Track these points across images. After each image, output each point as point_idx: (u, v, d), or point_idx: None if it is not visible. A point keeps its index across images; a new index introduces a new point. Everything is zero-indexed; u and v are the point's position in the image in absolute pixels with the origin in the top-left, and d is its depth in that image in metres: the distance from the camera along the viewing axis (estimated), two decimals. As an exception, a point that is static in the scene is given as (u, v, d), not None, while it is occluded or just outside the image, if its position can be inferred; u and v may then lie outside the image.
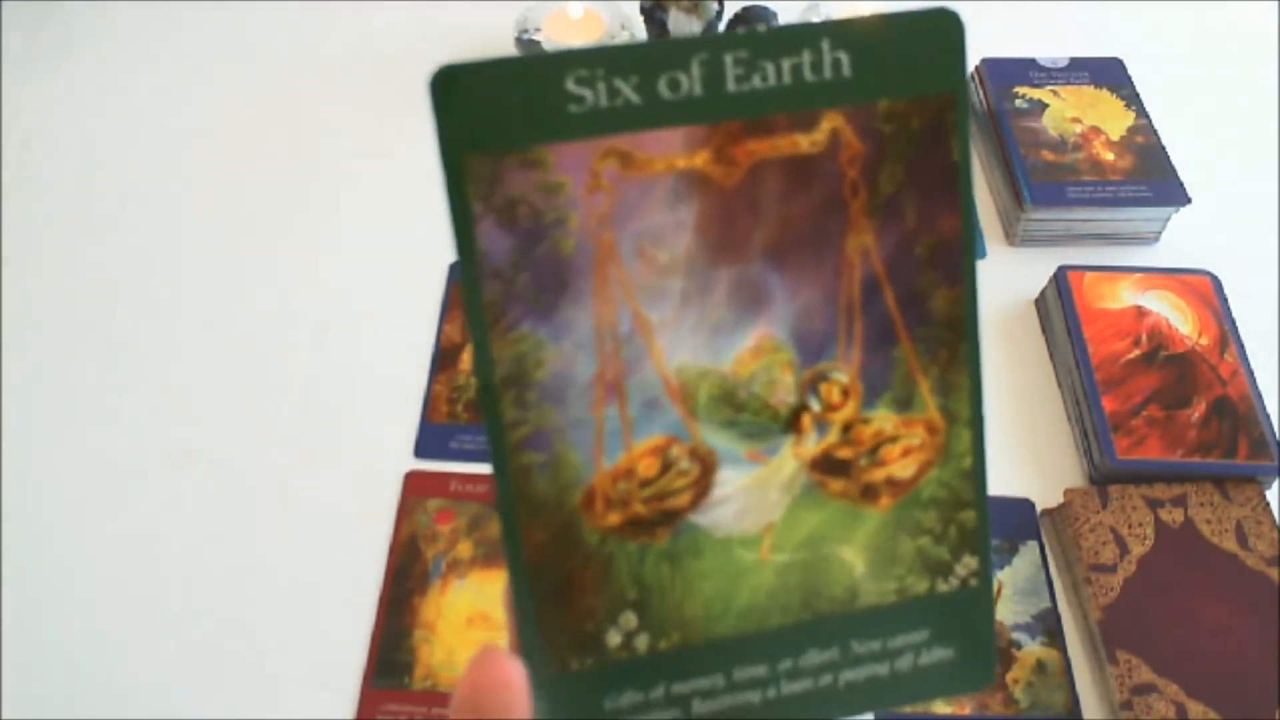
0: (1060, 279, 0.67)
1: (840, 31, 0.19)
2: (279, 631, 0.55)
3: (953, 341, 0.22)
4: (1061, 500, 0.58)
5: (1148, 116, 0.76)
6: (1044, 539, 0.59)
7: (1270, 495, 0.58)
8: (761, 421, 0.21)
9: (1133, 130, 0.75)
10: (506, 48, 0.84)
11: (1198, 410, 0.60)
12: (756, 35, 0.19)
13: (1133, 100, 0.77)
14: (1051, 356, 0.67)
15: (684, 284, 0.20)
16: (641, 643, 0.21)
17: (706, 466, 0.21)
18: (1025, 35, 0.86)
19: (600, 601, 0.21)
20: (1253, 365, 0.62)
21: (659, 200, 0.20)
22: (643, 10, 0.82)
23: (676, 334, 0.20)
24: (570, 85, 0.19)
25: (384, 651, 0.54)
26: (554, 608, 0.21)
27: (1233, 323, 0.64)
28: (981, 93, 0.79)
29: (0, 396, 0.64)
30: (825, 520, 0.22)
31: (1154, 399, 0.61)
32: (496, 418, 0.20)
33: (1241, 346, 0.63)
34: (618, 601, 0.21)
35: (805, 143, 0.20)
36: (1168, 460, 0.58)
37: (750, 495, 0.21)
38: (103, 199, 0.76)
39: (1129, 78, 0.79)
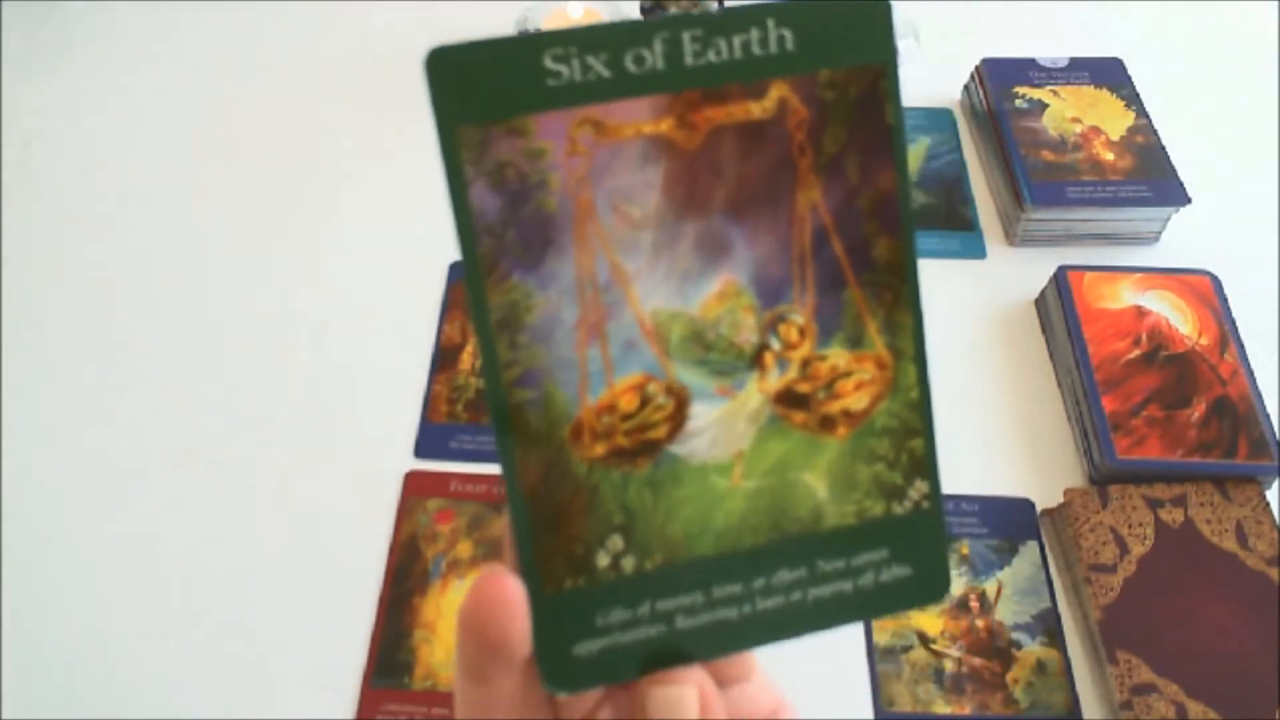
0: (1060, 279, 0.67)
1: (784, 12, 0.22)
2: (279, 631, 0.55)
3: (896, 285, 0.24)
4: (1061, 500, 0.58)
5: (1148, 116, 0.76)
6: (1044, 539, 0.59)
7: (1270, 495, 0.58)
8: (728, 360, 0.23)
9: (1133, 130, 0.75)
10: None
11: (1198, 410, 0.60)
12: (710, 15, 0.22)
13: (1133, 100, 0.77)
14: (1051, 356, 0.67)
15: (655, 236, 0.22)
16: (628, 564, 0.23)
17: (681, 401, 0.23)
18: (1025, 35, 0.86)
19: (589, 526, 0.23)
20: (1253, 365, 0.62)
21: (629, 162, 0.22)
22: (643, 10, 0.82)
23: (650, 281, 0.23)
24: (548, 62, 0.21)
25: (384, 651, 0.54)
26: (547, 533, 0.23)
27: (1233, 323, 0.64)
28: (981, 93, 0.79)
29: (0, 396, 0.64)
30: (789, 449, 0.24)
31: (1154, 399, 0.61)
32: (493, 360, 0.22)
33: (1241, 346, 0.63)
34: (605, 526, 0.23)
35: (756, 109, 0.22)
36: (1168, 460, 0.58)
37: (721, 427, 0.24)
38: (102, 199, 0.76)
39: (1129, 78, 0.79)
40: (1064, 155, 0.73)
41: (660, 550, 0.23)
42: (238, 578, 0.57)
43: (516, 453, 0.22)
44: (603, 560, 0.23)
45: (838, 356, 0.24)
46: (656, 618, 0.23)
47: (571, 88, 0.21)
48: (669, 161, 0.22)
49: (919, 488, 0.25)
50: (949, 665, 0.54)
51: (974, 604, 0.56)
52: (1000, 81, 0.79)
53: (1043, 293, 0.69)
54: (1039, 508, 0.60)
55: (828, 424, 0.24)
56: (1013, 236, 0.73)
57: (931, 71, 0.85)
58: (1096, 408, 0.60)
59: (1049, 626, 0.55)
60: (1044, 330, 0.69)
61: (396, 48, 0.87)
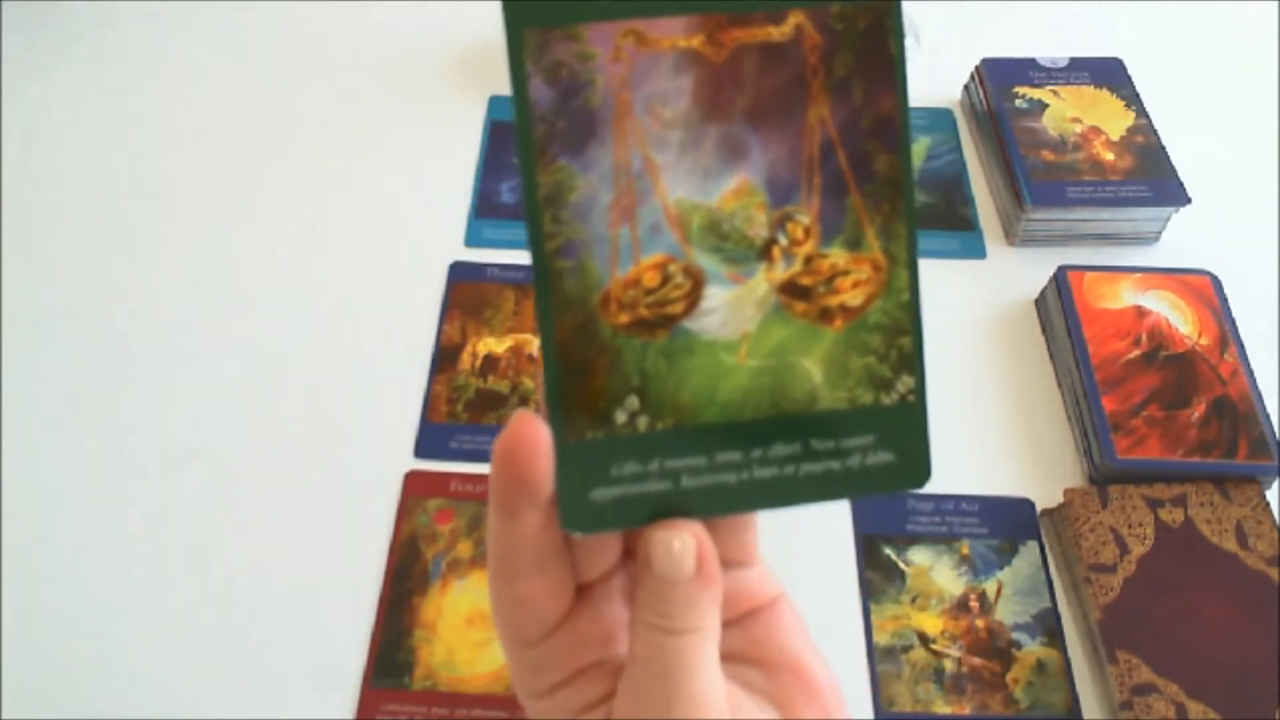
0: (1060, 279, 0.67)
1: None
2: (279, 631, 0.55)
3: (892, 198, 0.26)
4: (1061, 500, 0.58)
5: (1148, 116, 0.76)
6: (1044, 539, 0.59)
7: (1270, 495, 0.58)
8: (740, 249, 0.26)
9: (1133, 130, 0.75)
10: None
11: (1198, 410, 0.60)
12: None
13: (1133, 100, 0.77)
14: (1051, 356, 0.67)
15: (682, 136, 0.25)
16: (642, 422, 0.26)
17: (697, 282, 0.26)
18: (1025, 35, 0.86)
19: (610, 385, 0.26)
20: (1253, 365, 0.62)
21: (664, 70, 0.25)
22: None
23: (676, 174, 0.26)
24: None
25: (384, 651, 0.54)
26: (574, 387, 0.26)
27: (1233, 323, 0.64)
28: (981, 92, 0.79)
29: (0, 396, 0.64)
30: (790, 335, 0.27)
31: (1154, 399, 0.61)
32: (538, 230, 0.25)
33: (1241, 346, 0.63)
34: (624, 386, 0.26)
35: (776, 33, 0.26)
36: (1168, 460, 0.58)
37: (731, 309, 0.26)
38: (102, 199, 0.76)
39: (1129, 78, 0.79)
40: (1064, 155, 0.73)
41: (671, 414, 0.26)
42: (237, 577, 0.57)
43: (553, 314, 0.25)
44: (620, 417, 0.26)
45: (838, 256, 0.26)
46: (664, 474, 0.26)
47: (619, 4, 0.25)
48: (698, 72, 0.25)
49: (905, 382, 0.27)
50: (949, 665, 0.54)
51: (974, 604, 0.56)
52: (1000, 81, 0.79)
53: (1043, 293, 0.69)
54: (1039, 508, 0.60)
55: (826, 315, 0.27)
56: (1013, 236, 0.73)
57: (931, 71, 0.85)
58: (1096, 408, 0.60)
59: (1049, 626, 0.55)
60: (1044, 330, 0.69)
61: (397, 47, 0.87)
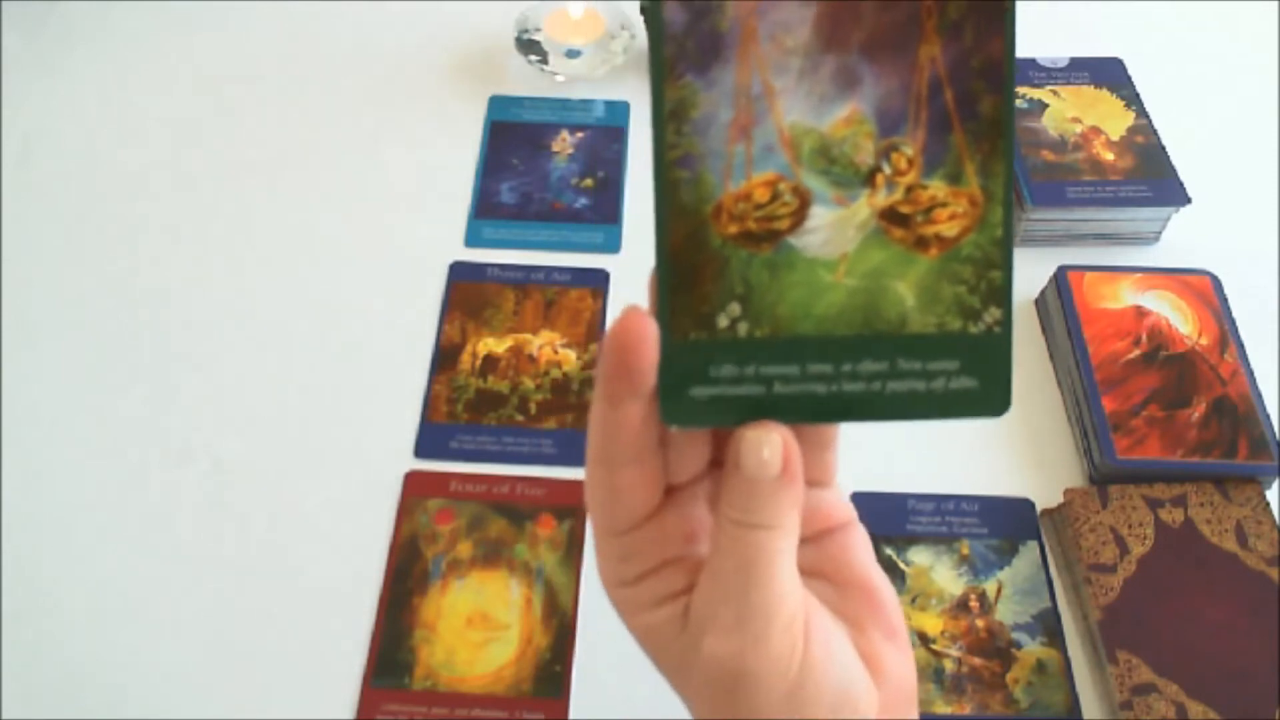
0: (1060, 279, 0.67)
1: None
2: (279, 631, 0.55)
3: (994, 137, 0.28)
4: (1061, 500, 0.58)
5: (1148, 116, 0.76)
6: (1044, 539, 0.59)
7: (1270, 495, 0.58)
8: (847, 174, 0.28)
9: (1133, 130, 0.75)
10: (507, 48, 0.84)
11: (1198, 410, 0.60)
12: None
13: (1133, 100, 0.77)
14: (1051, 356, 0.67)
15: (801, 63, 0.27)
16: (742, 329, 0.28)
17: (804, 201, 0.28)
18: (1025, 35, 0.86)
19: (716, 290, 0.27)
20: (1253, 365, 0.62)
21: (790, 2, 0.27)
22: (643, 10, 0.82)
23: (792, 100, 0.27)
24: None
25: (384, 651, 0.54)
26: (682, 289, 0.27)
27: (1233, 323, 0.64)
28: (981, 93, 0.79)
29: (0, 396, 0.64)
30: (887, 259, 0.28)
31: (1154, 399, 0.61)
32: (661, 140, 0.27)
33: (1241, 346, 0.63)
34: (728, 293, 0.27)
35: None
36: (1168, 460, 0.58)
37: (833, 229, 0.28)
38: (102, 199, 0.76)
39: (1129, 78, 0.79)
40: (1064, 155, 0.73)
41: (769, 323, 0.28)
42: (237, 577, 0.57)
43: (669, 221, 0.27)
44: (723, 321, 0.27)
45: (938, 188, 0.28)
46: (759, 379, 0.28)
47: None
48: (821, 5, 0.27)
49: (993, 314, 0.28)
50: (949, 665, 0.54)
51: (974, 604, 0.56)
52: (1000, 81, 0.79)
53: (1043, 293, 0.69)
54: (1039, 508, 0.60)
55: (922, 243, 0.28)
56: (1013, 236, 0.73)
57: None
58: (1096, 408, 0.60)
59: (1049, 626, 0.55)
60: (1044, 330, 0.69)
61: (397, 47, 0.87)
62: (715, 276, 0.27)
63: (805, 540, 0.30)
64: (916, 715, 0.32)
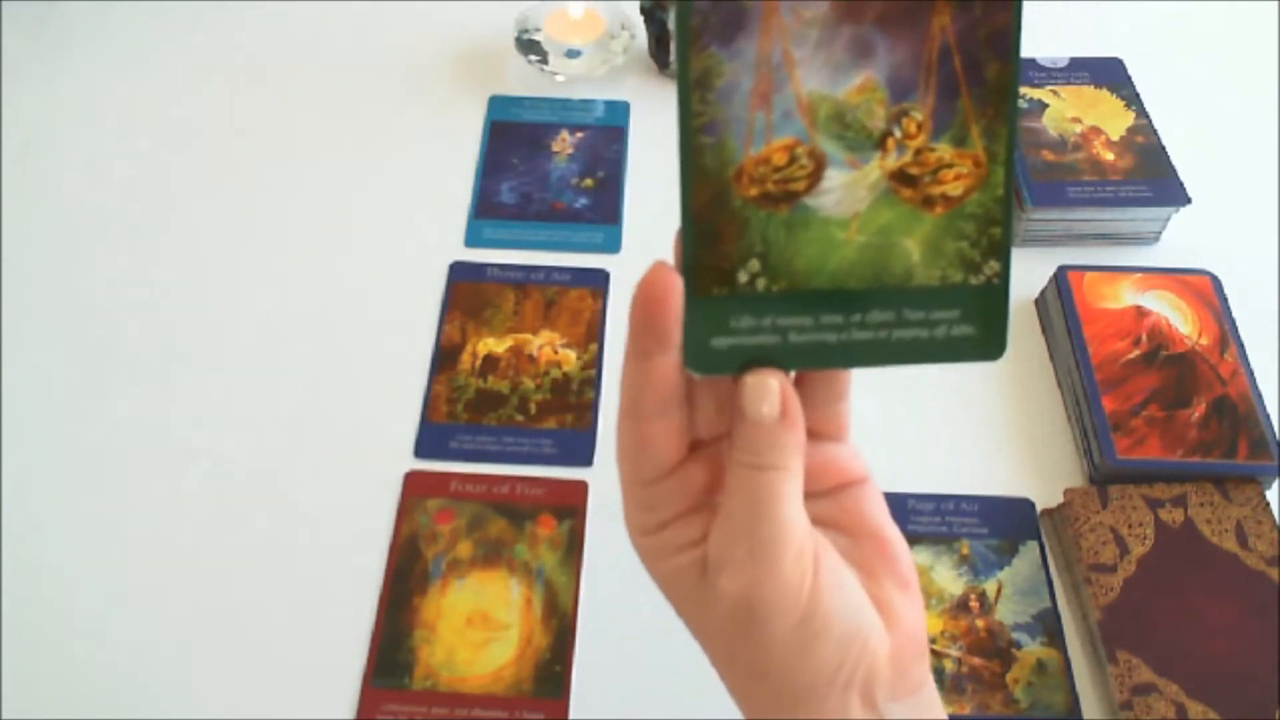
0: (1060, 279, 0.67)
1: None
2: (279, 632, 0.55)
3: (998, 102, 0.29)
4: (1061, 500, 0.58)
5: (1148, 116, 0.76)
6: (1044, 539, 0.59)
7: (1270, 495, 0.58)
8: (860, 138, 0.29)
9: (1133, 130, 0.75)
10: (507, 48, 0.84)
11: (1198, 410, 0.60)
12: None
13: (1133, 100, 0.77)
14: (1051, 356, 0.67)
15: (819, 34, 0.28)
16: (760, 284, 0.29)
17: (819, 164, 0.29)
18: (1025, 35, 0.86)
19: (736, 248, 0.29)
20: (1253, 365, 0.62)
21: None
22: (643, 10, 0.82)
23: (810, 68, 0.29)
24: None
25: (384, 651, 0.54)
26: (705, 247, 0.29)
27: (1233, 323, 0.64)
28: (981, 93, 0.79)
29: (0, 397, 0.64)
30: (896, 217, 0.30)
31: (1154, 399, 0.61)
32: (687, 108, 0.28)
33: (1241, 346, 0.63)
34: (748, 251, 0.29)
35: None
36: (1168, 460, 0.58)
37: (846, 190, 0.29)
38: (102, 199, 0.76)
39: (1129, 78, 0.79)
40: (1064, 155, 0.73)
41: (786, 278, 0.29)
42: (237, 577, 0.57)
43: (693, 184, 0.29)
44: (743, 277, 0.29)
45: (944, 151, 0.30)
46: (775, 330, 0.30)
47: None
48: None
49: (992, 266, 0.30)
50: (949, 665, 0.54)
51: (974, 604, 0.56)
52: (1000, 81, 0.79)
53: (1043, 293, 0.69)
54: (1039, 508, 0.60)
55: (929, 202, 0.30)
56: (1013, 236, 0.73)
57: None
58: (1096, 408, 0.60)
59: (1049, 626, 0.55)
60: (1044, 330, 0.69)
61: (397, 47, 0.87)
62: (736, 235, 0.29)
63: (820, 494, 0.32)
64: (929, 667, 0.33)
